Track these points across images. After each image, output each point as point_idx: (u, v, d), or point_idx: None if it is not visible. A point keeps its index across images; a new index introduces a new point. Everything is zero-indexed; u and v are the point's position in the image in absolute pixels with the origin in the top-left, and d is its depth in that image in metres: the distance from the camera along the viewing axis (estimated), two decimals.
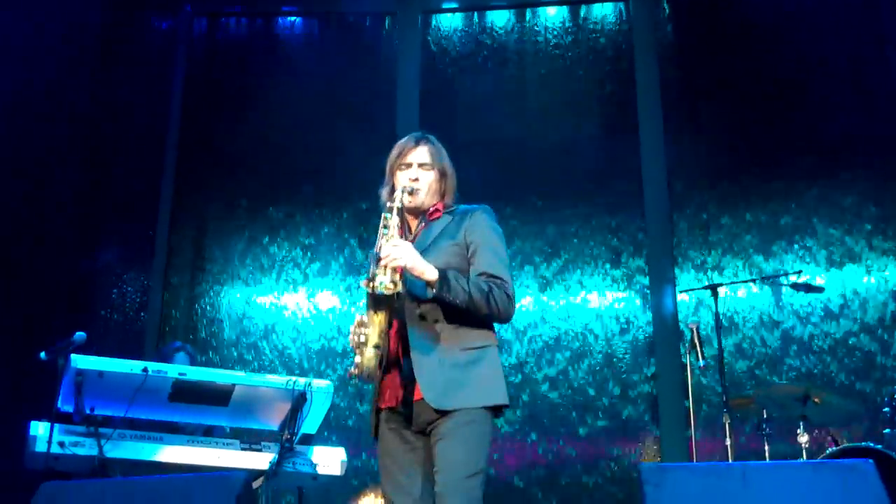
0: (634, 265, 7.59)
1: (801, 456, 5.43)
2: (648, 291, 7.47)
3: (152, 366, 4.47)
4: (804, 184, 7.46)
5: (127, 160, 8.20)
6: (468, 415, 3.31)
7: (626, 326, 7.46)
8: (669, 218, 7.61)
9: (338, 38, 8.55)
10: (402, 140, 3.71)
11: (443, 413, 3.31)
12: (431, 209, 3.64)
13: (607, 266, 7.62)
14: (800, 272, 6.35)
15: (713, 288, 5.84)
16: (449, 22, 8.47)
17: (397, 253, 3.28)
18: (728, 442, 5.34)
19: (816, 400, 5.56)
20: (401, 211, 3.52)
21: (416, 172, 3.60)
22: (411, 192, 3.55)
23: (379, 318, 3.36)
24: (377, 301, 3.34)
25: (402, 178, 3.59)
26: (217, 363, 7.61)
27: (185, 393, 4.52)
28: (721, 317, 5.88)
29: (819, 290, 6.16)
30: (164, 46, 8.69)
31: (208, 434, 4.99)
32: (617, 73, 8.13)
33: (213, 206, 8.25)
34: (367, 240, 7.87)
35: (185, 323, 7.93)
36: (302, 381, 4.61)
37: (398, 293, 3.32)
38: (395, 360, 3.44)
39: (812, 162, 7.45)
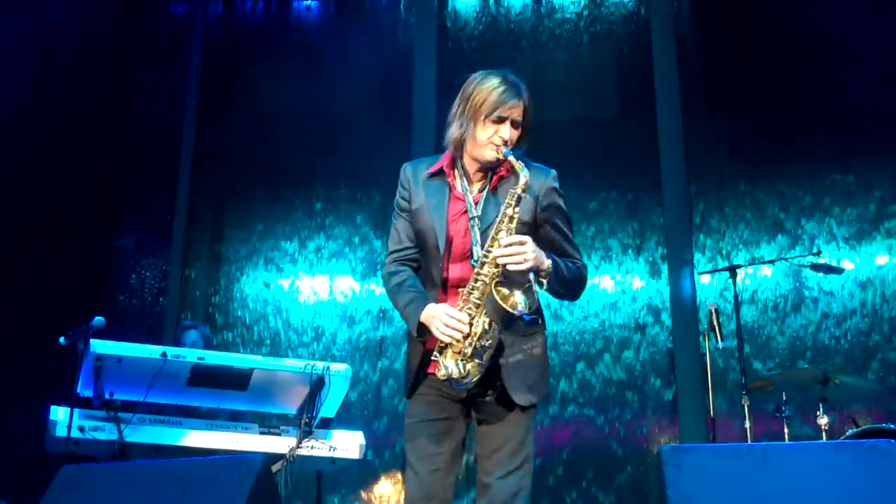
0: (653, 246, 7.55)
1: (822, 438, 5.40)
2: (667, 273, 7.43)
3: (171, 350, 4.50)
4: (825, 162, 7.39)
5: (144, 147, 8.23)
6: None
7: (643, 308, 7.43)
8: (688, 198, 7.57)
9: (353, 22, 8.52)
10: (499, 82, 3.26)
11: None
12: (502, 168, 3.28)
13: (625, 247, 7.59)
14: (819, 252, 6.29)
15: (732, 269, 5.80)
16: (465, 4, 8.43)
17: (529, 256, 3.00)
18: (748, 424, 5.32)
19: (836, 381, 5.51)
20: (463, 168, 3.27)
21: (509, 132, 3.23)
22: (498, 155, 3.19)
23: (493, 329, 3.04)
24: (500, 312, 2.97)
25: (489, 133, 3.21)
26: (235, 347, 7.63)
27: (204, 377, 4.54)
28: (740, 297, 5.84)
29: (839, 270, 6.11)
30: (179, 32, 8.70)
31: (234, 419, 5.00)
32: (634, 52, 8.06)
33: (231, 191, 8.26)
34: (384, 223, 7.87)
35: (203, 307, 7.95)
36: (320, 364, 4.63)
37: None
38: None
39: (833, 140, 7.37)
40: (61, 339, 4.38)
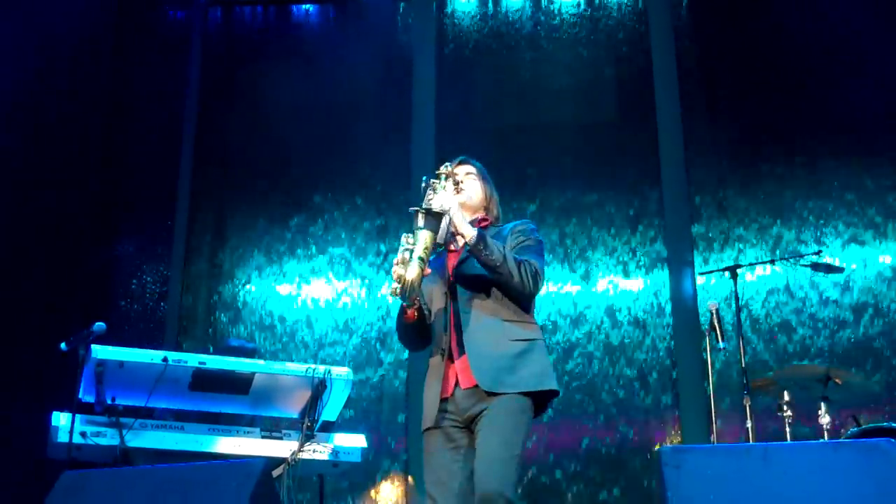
0: (653, 248, 7.56)
1: (823, 437, 5.39)
2: (667, 274, 7.44)
3: (172, 355, 4.50)
4: (824, 162, 7.40)
5: (145, 151, 8.23)
6: (511, 401, 3.44)
7: (644, 309, 7.43)
8: (688, 200, 7.57)
9: (352, 26, 8.52)
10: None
11: (490, 395, 3.44)
12: (479, 217, 3.82)
13: (626, 249, 7.59)
14: (820, 252, 6.29)
15: (732, 269, 5.80)
16: (464, 7, 8.44)
17: (447, 200, 3.51)
18: (749, 424, 5.31)
19: (838, 380, 5.51)
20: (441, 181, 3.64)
21: (462, 176, 3.81)
22: (456, 184, 3.70)
23: (428, 236, 3.45)
24: (430, 221, 3.46)
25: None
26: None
27: (206, 382, 4.55)
28: (740, 298, 5.84)
29: (839, 269, 6.11)
30: (179, 37, 8.71)
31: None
32: (633, 54, 8.08)
33: (231, 195, 8.26)
34: (385, 225, 7.88)
35: (204, 313, 7.95)
36: (321, 368, 4.63)
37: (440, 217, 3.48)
38: (457, 350, 3.59)
39: (833, 140, 7.38)
40: (62, 345, 4.38)
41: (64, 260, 7.22)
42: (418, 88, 8.15)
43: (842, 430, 5.56)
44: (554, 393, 3.57)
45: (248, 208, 8.17)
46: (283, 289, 7.93)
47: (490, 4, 8.40)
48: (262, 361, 4.79)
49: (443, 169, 3.66)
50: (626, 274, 7.54)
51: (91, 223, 7.75)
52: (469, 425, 3.54)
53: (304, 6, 8.74)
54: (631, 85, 8.04)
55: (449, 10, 8.46)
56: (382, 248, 7.86)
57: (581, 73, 8.14)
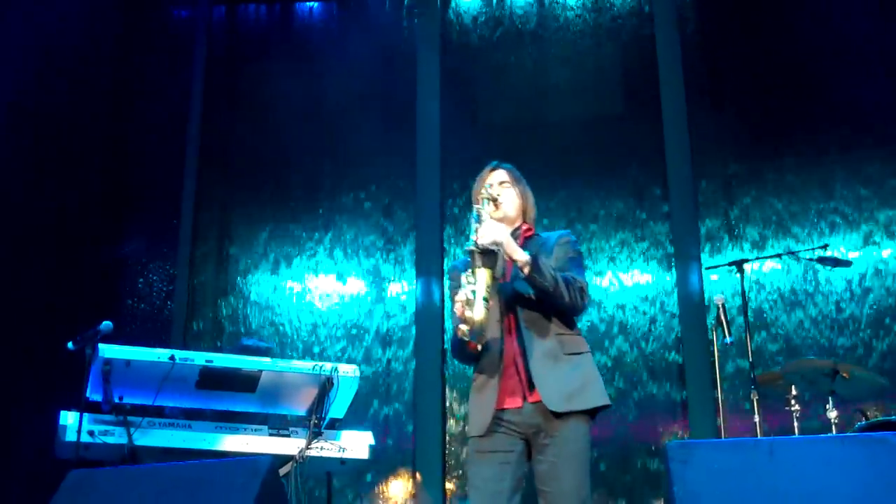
0: (659, 243, 7.55)
1: (831, 431, 5.38)
2: (674, 269, 7.43)
3: (179, 354, 4.50)
4: (831, 157, 7.38)
5: (150, 149, 8.25)
6: (578, 427, 3.58)
7: (651, 304, 7.43)
8: (694, 195, 7.56)
9: (356, 23, 8.52)
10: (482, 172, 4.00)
11: (554, 416, 3.55)
12: (524, 227, 3.91)
13: (632, 244, 7.58)
14: (826, 246, 6.27)
15: (739, 264, 5.78)
16: (468, 3, 8.43)
17: (496, 232, 3.56)
18: (756, 419, 5.30)
19: (845, 375, 5.49)
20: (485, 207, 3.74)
21: (497, 189, 3.84)
22: (494, 200, 3.77)
23: (487, 274, 3.52)
24: (486, 259, 3.52)
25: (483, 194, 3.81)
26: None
27: (213, 380, 4.54)
28: (747, 292, 5.83)
29: (847, 263, 6.09)
30: (183, 35, 8.72)
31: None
32: (638, 49, 8.07)
33: (237, 193, 8.28)
34: (390, 222, 7.89)
35: (211, 311, 7.97)
36: (328, 366, 4.63)
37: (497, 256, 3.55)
38: (512, 363, 3.67)
39: (839, 134, 7.37)
40: (70, 344, 4.38)
41: (71, 260, 7.23)
42: (422, 85, 8.15)
43: (850, 425, 5.55)
44: (607, 407, 3.69)
45: (254, 206, 8.18)
46: (290, 286, 7.94)
47: (494, 1, 8.39)
48: (268, 359, 4.78)
49: (484, 192, 3.75)
50: (632, 269, 7.54)
51: (97, 222, 7.76)
52: (526, 437, 3.64)
53: (307, 3, 8.74)
54: (636, 79, 8.03)
55: (453, 5, 8.46)
56: (388, 244, 7.87)
57: (586, 67, 8.14)
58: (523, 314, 3.69)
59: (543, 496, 3.58)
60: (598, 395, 3.64)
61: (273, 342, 7.73)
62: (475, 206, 3.71)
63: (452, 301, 3.94)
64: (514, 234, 3.77)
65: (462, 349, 3.68)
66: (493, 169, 3.97)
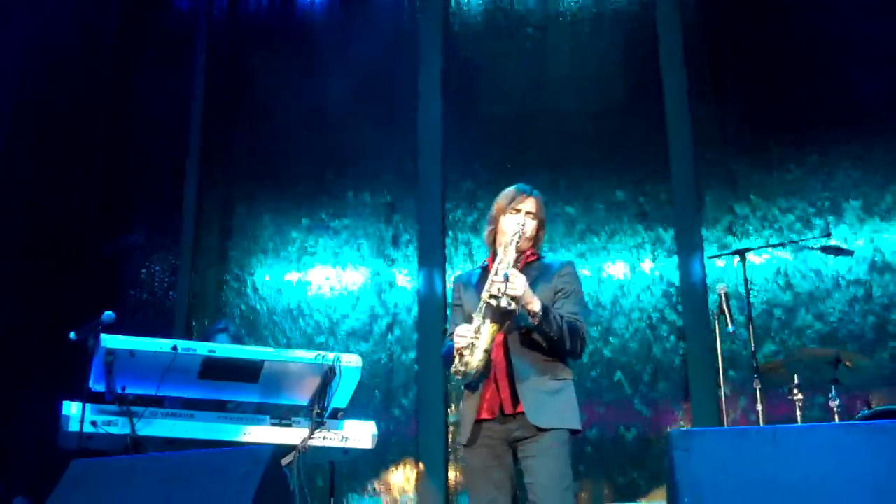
0: (662, 232, 7.54)
1: (834, 420, 5.39)
2: (676, 258, 7.42)
3: (182, 344, 4.49)
4: (833, 147, 7.36)
5: (152, 141, 8.26)
6: (558, 436, 3.84)
7: (653, 293, 7.42)
8: (696, 184, 7.54)
9: (358, 17, 8.51)
10: (512, 189, 4.17)
11: (537, 430, 3.81)
12: (528, 252, 4.11)
13: (634, 233, 7.57)
14: (829, 235, 6.27)
15: (741, 253, 5.78)
16: None
17: (517, 286, 3.72)
18: (759, 407, 5.30)
19: (848, 363, 5.50)
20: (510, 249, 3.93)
21: (524, 219, 4.03)
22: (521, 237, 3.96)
23: (493, 329, 3.76)
24: (497, 316, 3.75)
25: (510, 222, 4.03)
26: (247, 340, 7.64)
27: (215, 370, 4.54)
28: (750, 281, 5.83)
29: (849, 252, 6.10)
30: (185, 27, 8.72)
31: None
32: (640, 39, 8.04)
33: (239, 185, 8.28)
34: (391, 217, 7.88)
35: (213, 301, 7.98)
36: (331, 355, 4.62)
37: (511, 315, 3.76)
38: (494, 379, 3.92)
39: (842, 124, 7.35)
40: (72, 335, 4.39)
41: (73, 251, 7.25)
42: (424, 76, 8.14)
43: (853, 414, 5.55)
44: (577, 432, 3.94)
45: (255, 197, 8.19)
46: (292, 277, 7.94)
47: None
48: (271, 349, 4.78)
49: (517, 228, 3.94)
50: (635, 258, 7.53)
51: (100, 215, 7.77)
52: (511, 444, 3.92)
53: None
54: (638, 69, 8.00)
55: None
56: (389, 235, 7.87)
57: (588, 58, 8.11)
58: (515, 334, 3.92)
59: (529, 489, 3.82)
60: (575, 420, 3.90)
61: (275, 331, 7.75)
62: (501, 258, 3.86)
63: (453, 311, 4.25)
64: (516, 259, 3.96)
65: (451, 366, 3.89)
66: (525, 196, 4.13)
